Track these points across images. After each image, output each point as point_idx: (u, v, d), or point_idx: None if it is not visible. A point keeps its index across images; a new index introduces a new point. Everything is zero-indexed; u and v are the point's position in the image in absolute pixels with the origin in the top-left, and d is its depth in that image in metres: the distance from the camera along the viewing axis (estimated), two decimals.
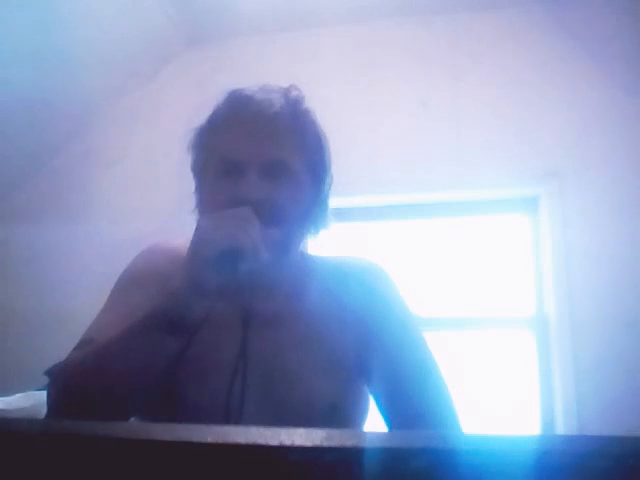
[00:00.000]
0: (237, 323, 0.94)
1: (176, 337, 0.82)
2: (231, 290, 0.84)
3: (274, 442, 0.35)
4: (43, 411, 0.89)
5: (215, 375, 0.90)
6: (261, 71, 1.11)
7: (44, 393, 0.88)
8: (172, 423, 0.39)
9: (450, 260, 2.61)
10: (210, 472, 0.35)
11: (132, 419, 0.92)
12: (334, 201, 1.03)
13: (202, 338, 0.87)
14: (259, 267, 0.82)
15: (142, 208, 2.72)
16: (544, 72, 2.59)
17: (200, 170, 0.98)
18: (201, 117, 0.99)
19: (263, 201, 0.88)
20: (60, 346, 1.00)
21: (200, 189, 0.99)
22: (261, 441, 0.35)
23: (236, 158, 0.92)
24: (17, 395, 1.63)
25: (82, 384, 0.83)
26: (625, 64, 2.50)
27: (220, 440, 0.36)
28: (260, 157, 0.91)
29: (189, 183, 1.01)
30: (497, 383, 2.42)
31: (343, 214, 2.41)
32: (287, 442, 0.35)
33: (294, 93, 0.98)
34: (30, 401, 1.57)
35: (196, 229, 0.83)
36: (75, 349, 0.91)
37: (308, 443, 0.35)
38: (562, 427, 2.24)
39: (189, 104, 1.21)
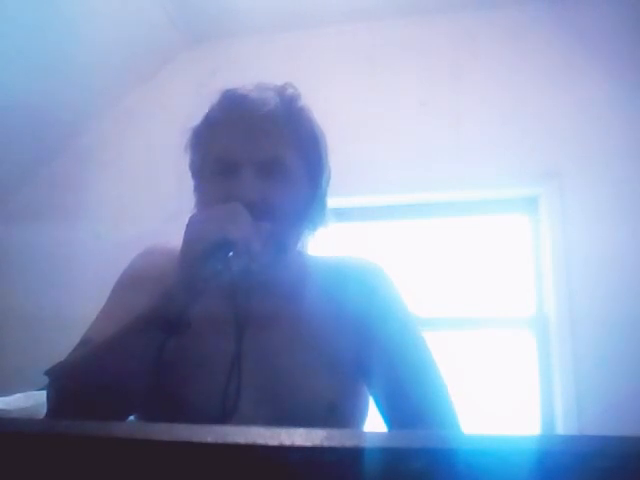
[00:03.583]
0: (233, 323, 0.94)
1: (172, 334, 0.83)
2: (224, 284, 0.84)
3: (274, 442, 0.35)
4: (43, 411, 0.89)
5: (210, 375, 0.90)
6: (261, 71, 1.10)
7: (44, 393, 0.88)
8: (171, 423, 0.39)
9: (450, 260, 2.61)
10: (210, 472, 0.35)
11: (131, 418, 0.92)
12: (334, 201, 1.03)
13: (198, 337, 0.87)
14: (252, 261, 0.82)
15: (141, 209, 2.73)
16: (544, 71, 2.59)
17: (197, 170, 0.99)
18: (200, 117, 0.99)
19: (258, 200, 0.88)
20: (60, 346, 1.00)
21: (198, 189, 0.99)
22: (261, 441, 0.35)
23: (231, 158, 0.92)
24: (17, 395, 1.63)
25: (81, 384, 0.83)
26: (626, 63, 2.50)
27: (220, 440, 0.36)
28: (255, 156, 0.91)
29: (188, 183, 1.01)
30: (497, 383, 2.42)
31: (343, 214, 2.43)
32: (287, 442, 0.35)
33: (289, 91, 0.98)
34: (30, 401, 1.57)
35: (187, 225, 0.84)
36: (74, 350, 0.91)
37: (308, 443, 0.35)
38: (562, 427, 2.24)
39: (189, 104, 1.21)
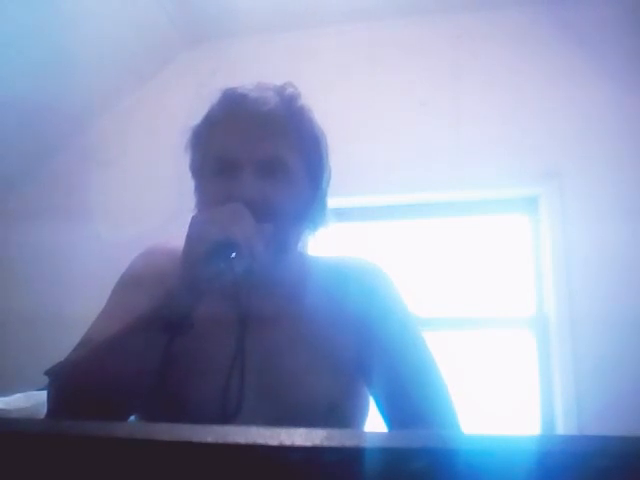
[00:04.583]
0: (235, 323, 0.94)
1: (173, 335, 0.83)
2: (227, 284, 0.84)
3: (274, 442, 0.35)
4: (43, 411, 0.89)
5: (212, 375, 0.90)
6: (261, 71, 1.10)
7: (44, 393, 0.88)
8: (171, 423, 0.39)
9: (450, 260, 2.61)
10: (210, 472, 0.35)
11: (131, 418, 0.92)
12: (334, 201, 1.03)
13: (200, 337, 0.87)
14: (254, 262, 0.82)
15: (142, 209, 2.72)
16: (544, 72, 2.59)
17: (198, 170, 0.99)
18: (200, 117, 0.99)
19: (258, 199, 0.88)
20: (60, 346, 1.00)
21: (198, 189, 0.99)
22: (261, 441, 0.35)
23: (231, 157, 0.92)
24: (17, 395, 1.63)
25: (81, 384, 0.83)
26: (626, 64, 2.50)
27: (220, 440, 0.36)
28: (255, 155, 0.91)
29: (189, 183, 1.01)
30: (497, 383, 2.42)
31: (343, 214, 2.43)
32: (287, 442, 0.35)
33: (289, 90, 0.98)
34: (30, 401, 1.57)
35: (189, 226, 0.83)
36: (75, 349, 0.91)
37: (308, 443, 0.35)
38: (562, 427, 2.24)
39: (189, 104, 1.21)
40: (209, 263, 0.80)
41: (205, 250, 0.80)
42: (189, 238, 0.83)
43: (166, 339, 0.83)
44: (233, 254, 0.80)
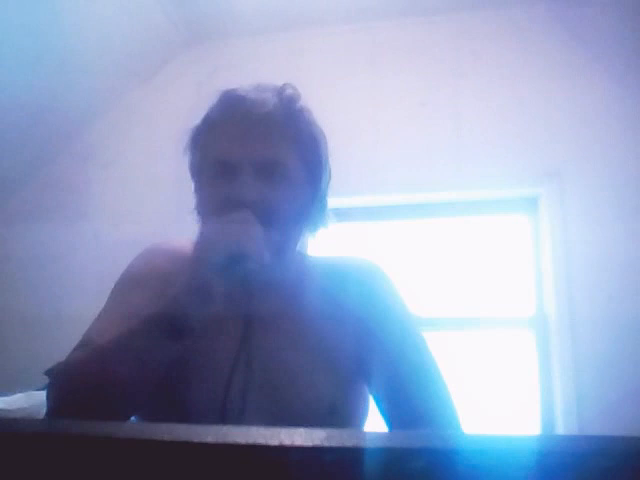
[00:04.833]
0: (237, 324, 0.94)
1: (177, 340, 0.83)
2: (235, 293, 0.85)
3: (274, 442, 0.35)
4: (43, 411, 0.89)
5: (214, 376, 0.90)
6: (261, 71, 1.11)
7: (44, 393, 0.88)
8: (172, 423, 0.39)
9: (450, 260, 2.61)
10: (210, 472, 0.35)
11: (132, 419, 0.92)
12: (334, 201, 1.03)
13: (202, 339, 0.87)
14: (260, 267, 0.82)
15: (142, 209, 2.72)
16: (544, 72, 2.59)
17: (197, 171, 0.98)
18: (199, 117, 0.99)
19: (257, 202, 0.88)
20: (60, 346, 1.00)
21: (198, 190, 0.99)
22: (261, 441, 0.35)
23: (230, 159, 0.92)
24: (17, 395, 1.63)
25: (82, 384, 0.83)
26: (626, 64, 2.50)
27: (220, 440, 0.36)
28: (253, 157, 0.91)
29: (188, 184, 1.01)
30: (497, 383, 2.42)
31: (343, 214, 2.43)
32: (287, 442, 0.35)
33: (288, 92, 0.98)
34: (30, 401, 1.57)
35: (200, 235, 0.84)
36: (75, 349, 0.91)
37: (308, 443, 0.35)
38: (562, 427, 2.24)
39: (189, 104, 1.21)
40: (220, 274, 0.81)
41: (216, 261, 0.81)
42: (200, 248, 0.84)
43: (170, 343, 0.83)
44: (244, 265, 0.81)
